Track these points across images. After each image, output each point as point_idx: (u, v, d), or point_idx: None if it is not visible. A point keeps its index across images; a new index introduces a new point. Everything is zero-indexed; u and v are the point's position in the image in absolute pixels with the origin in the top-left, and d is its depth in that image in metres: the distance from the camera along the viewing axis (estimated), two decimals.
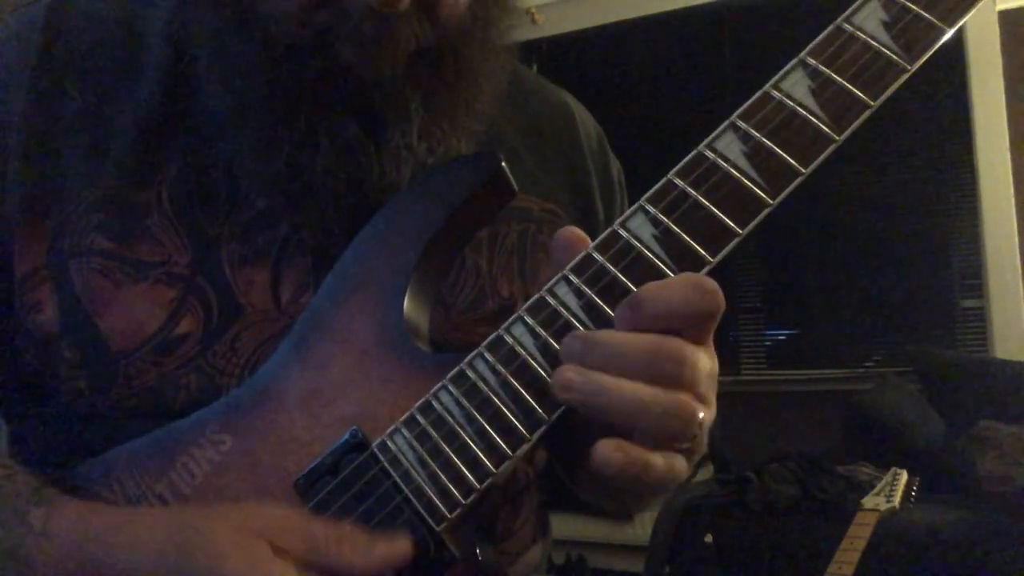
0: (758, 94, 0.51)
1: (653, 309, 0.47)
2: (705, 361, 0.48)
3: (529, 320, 0.52)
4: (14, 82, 0.63)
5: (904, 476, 1.62)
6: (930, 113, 2.75)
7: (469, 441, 0.50)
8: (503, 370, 0.51)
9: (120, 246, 0.60)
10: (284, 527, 0.49)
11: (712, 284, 0.47)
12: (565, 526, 2.91)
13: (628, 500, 0.66)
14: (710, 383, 0.49)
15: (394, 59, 0.58)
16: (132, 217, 0.61)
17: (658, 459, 0.47)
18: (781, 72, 0.51)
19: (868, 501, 1.53)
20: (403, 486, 0.51)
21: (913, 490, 1.58)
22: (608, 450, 0.46)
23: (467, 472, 0.50)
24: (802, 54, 0.51)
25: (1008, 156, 2.65)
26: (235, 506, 0.52)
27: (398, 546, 0.49)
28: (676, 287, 0.48)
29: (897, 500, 1.52)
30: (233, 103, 0.60)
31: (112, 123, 0.62)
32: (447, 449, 0.51)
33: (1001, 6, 2.67)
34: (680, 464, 0.49)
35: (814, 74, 0.51)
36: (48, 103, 0.62)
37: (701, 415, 0.47)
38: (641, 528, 2.88)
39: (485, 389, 0.51)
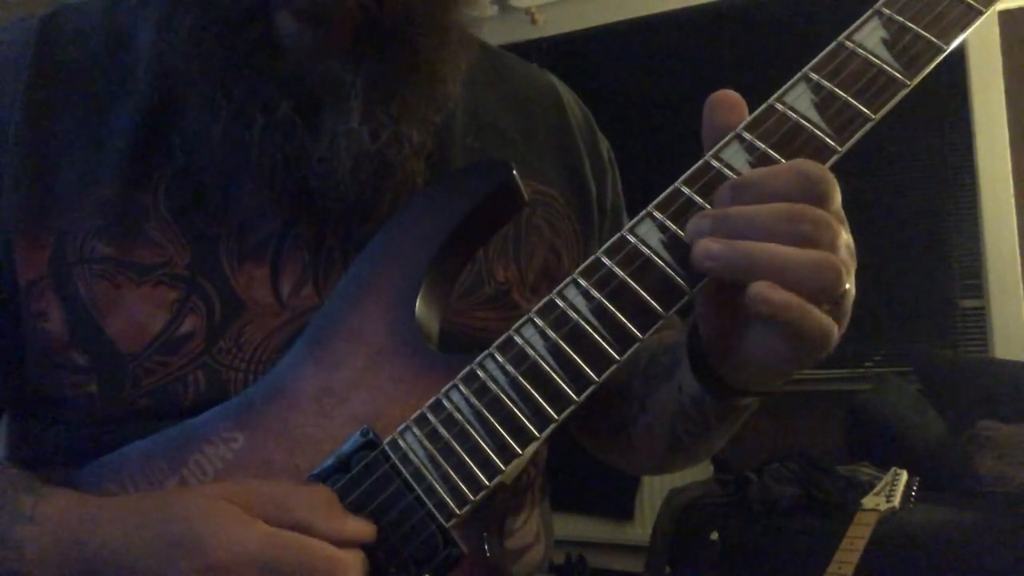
0: (763, 107, 0.52)
1: (758, 194, 0.48)
2: (840, 226, 0.48)
3: (539, 322, 0.53)
4: (8, 97, 0.64)
5: (904, 476, 1.62)
6: (930, 114, 2.75)
7: (479, 439, 0.52)
8: (513, 370, 0.52)
9: (120, 251, 0.61)
10: (250, 492, 0.50)
11: (817, 171, 0.47)
12: (565, 526, 2.92)
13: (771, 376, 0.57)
14: (848, 253, 0.49)
15: (336, 33, 0.58)
16: (130, 222, 0.62)
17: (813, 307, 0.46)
18: (785, 86, 0.52)
19: (868, 501, 1.53)
20: (413, 483, 0.52)
21: (913, 490, 1.58)
22: (764, 287, 0.45)
23: (477, 469, 0.51)
24: (805, 69, 0.52)
25: (1008, 156, 2.65)
26: (207, 483, 0.54)
27: (362, 527, 0.51)
28: (783, 174, 0.48)
29: (897, 500, 1.52)
30: (181, 72, 0.60)
31: (106, 133, 0.63)
32: (457, 447, 0.52)
33: (1001, 6, 2.67)
34: (830, 323, 0.47)
35: (817, 88, 0.52)
36: (42, 117, 0.63)
37: (845, 271, 0.47)
38: (641, 528, 2.89)
39: (495, 388, 0.52)
